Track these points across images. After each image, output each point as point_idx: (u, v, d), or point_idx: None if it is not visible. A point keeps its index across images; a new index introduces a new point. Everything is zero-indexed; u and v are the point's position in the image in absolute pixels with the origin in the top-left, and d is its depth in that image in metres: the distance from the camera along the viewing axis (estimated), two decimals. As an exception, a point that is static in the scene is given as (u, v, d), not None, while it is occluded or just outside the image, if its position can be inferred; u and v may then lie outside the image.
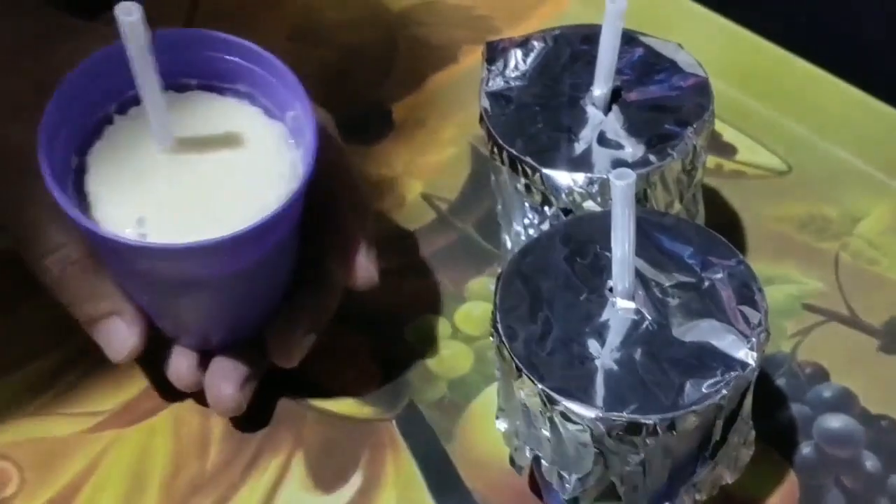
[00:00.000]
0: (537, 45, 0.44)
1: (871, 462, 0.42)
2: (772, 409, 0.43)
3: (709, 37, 0.55)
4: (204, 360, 0.41)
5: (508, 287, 0.37)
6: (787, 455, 0.42)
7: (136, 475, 0.42)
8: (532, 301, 0.37)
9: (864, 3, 0.54)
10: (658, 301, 0.36)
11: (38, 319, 0.45)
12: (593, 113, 0.41)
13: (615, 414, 0.33)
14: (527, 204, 0.42)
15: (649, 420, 0.33)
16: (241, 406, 0.41)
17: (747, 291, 0.36)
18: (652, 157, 0.40)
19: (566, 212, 0.40)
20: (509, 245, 0.44)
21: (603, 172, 0.40)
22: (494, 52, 0.44)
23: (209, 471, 0.42)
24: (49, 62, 0.40)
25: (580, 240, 0.38)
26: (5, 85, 0.41)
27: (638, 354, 0.35)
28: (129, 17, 0.34)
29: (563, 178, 0.40)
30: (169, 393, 0.43)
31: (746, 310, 0.35)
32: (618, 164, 0.40)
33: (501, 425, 0.40)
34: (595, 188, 0.40)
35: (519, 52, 0.43)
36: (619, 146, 0.40)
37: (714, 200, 0.50)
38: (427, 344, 0.46)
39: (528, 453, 0.38)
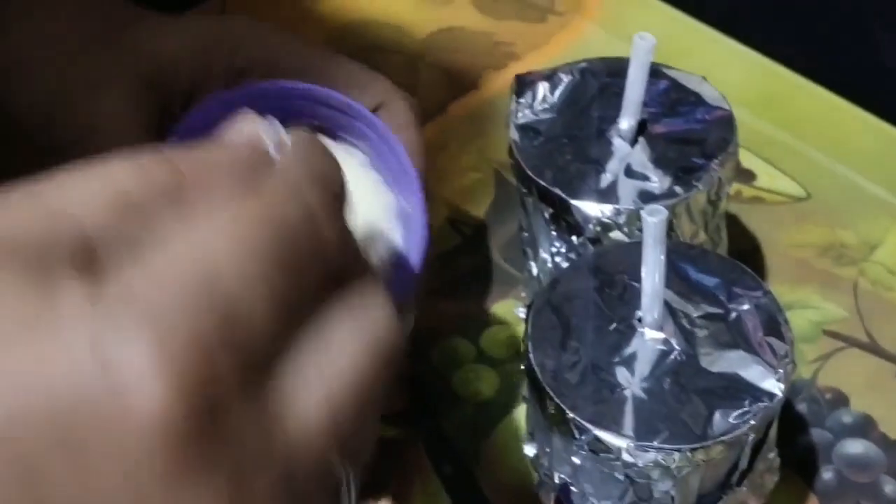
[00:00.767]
0: (565, 77, 0.45)
1: (890, 487, 0.42)
2: (793, 434, 0.44)
3: (728, 63, 0.55)
4: None
5: (539, 316, 0.38)
6: (809, 480, 0.43)
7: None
8: (562, 330, 0.37)
9: (883, 30, 0.55)
10: (686, 332, 0.37)
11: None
12: (620, 145, 0.42)
13: (646, 443, 0.34)
14: (554, 233, 0.42)
15: (679, 449, 0.34)
16: None
17: (773, 323, 0.37)
18: (678, 189, 0.41)
19: (593, 241, 0.41)
20: (535, 272, 0.45)
21: (630, 203, 0.40)
22: (523, 85, 0.44)
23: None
24: (132, 47, 0.41)
25: (609, 270, 0.39)
26: (96, 63, 0.41)
27: (667, 384, 0.36)
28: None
29: (592, 208, 0.40)
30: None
31: (773, 341, 0.36)
32: (644, 195, 0.41)
33: (530, 450, 0.41)
34: (622, 219, 0.40)
35: (547, 85, 0.44)
36: (646, 178, 0.41)
37: (733, 226, 0.50)
38: (452, 366, 0.47)
39: (556, 479, 0.38)
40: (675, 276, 0.38)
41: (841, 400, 0.45)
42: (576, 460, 0.36)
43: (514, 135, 0.43)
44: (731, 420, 0.34)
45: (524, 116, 0.44)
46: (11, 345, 0.21)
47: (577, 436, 0.35)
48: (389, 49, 0.60)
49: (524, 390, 0.41)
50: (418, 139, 0.41)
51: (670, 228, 0.41)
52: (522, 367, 0.38)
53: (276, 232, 0.23)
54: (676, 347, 0.36)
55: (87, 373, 0.20)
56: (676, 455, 0.34)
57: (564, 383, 0.36)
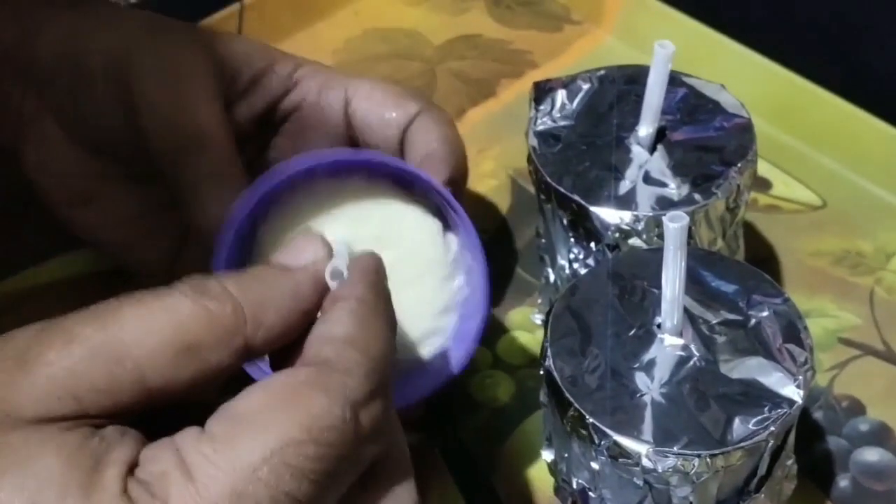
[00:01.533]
0: (583, 85, 0.45)
1: (907, 495, 0.43)
2: (809, 441, 0.44)
3: (744, 73, 0.56)
4: None
5: (558, 322, 0.38)
6: (825, 488, 0.43)
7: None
8: (582, 336, 0.37)
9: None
10: (705, 338, 0.37)
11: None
12: (639, 152, 0.42)
13: (665, 449, 0.34)
14: (572, 239, 0.43)
15: (699, 455, 0.34)
16: None
17: (793, 329, 0.37)
18: (697, 196, 0.41)
19: (611, 248, 0.41)
20: (552, 279, 0.45)
21: (648, 210, 0.41)
22: (542, 93, 0.45)
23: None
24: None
25: (628, 276, 0.39)
26: None
27: (686, 390, 0.36)
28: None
29: (610, 215, 0.41)
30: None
31: (792, 348, 0.36)
32: (663, 202, 0.41)
33: (548, 455, 0.41)
34: (641, 225, 0.41)
35: (565, 93, 0.45)
36: (664, 185, 0.41)
37: (749, 234, 0.50)
38: (469, 373, 0.47)
39: (575, 485, 0.38)
40: (694, 283, 0.38)
41: (857, 408, 0.45)
42: (594, 466, 0.37)
43: (533, 142, 0.43)
44: (750, 426, 0.35)
45: (543, 123, 0.44)
46: None
47: (596, 441, 0.36)
48: (406, 57, 0.61)
49: (541, 396, 0.41)
50: (458, 136, 0.43)
51: (689, 235, 0.41)
52: (540, 372, 0.38)
53: (317, 452, 0.25)
54: (696, 353, 0.37)
55: None
56: (696, 461, 0.34)
57: (584, 389, 0.36)
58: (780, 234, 0.51)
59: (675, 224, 0.34)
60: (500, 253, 0.51)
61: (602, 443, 0.35)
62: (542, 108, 0.44)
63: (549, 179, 0.42)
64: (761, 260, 0.50)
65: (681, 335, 0.37)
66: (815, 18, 0.58)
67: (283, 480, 0.25)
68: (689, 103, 0.44)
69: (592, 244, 0.42)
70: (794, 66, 0.56)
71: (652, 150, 0.42)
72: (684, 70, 0.45)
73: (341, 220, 0.37)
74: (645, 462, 0.35)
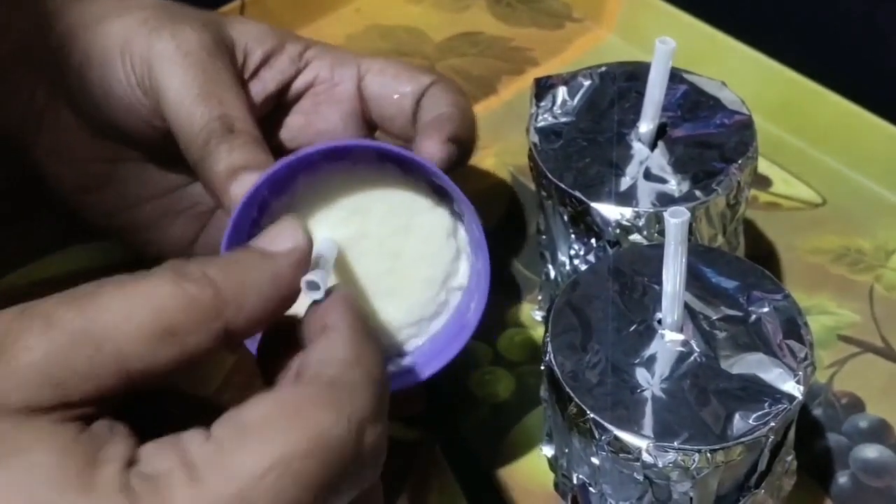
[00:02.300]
0: (584, 81, 0.45)
1: (906, 492, 0.43)
2: (809, 438, 0.44)
3: (744, 70, 0.56)
4: None
5: (559, 317, 0.38)
6: (825, 484, 0.43)
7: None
8: (582, 331, 0.38)
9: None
10: (706, 334, 0.37)
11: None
12: (639, 149, 0.42)
13: (665, 444, 0.34)
14: (573, 236, 0.43)
15: (699, 451, 0.34)
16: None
17: (793, 325, 0.37)
18: (697, 193, 0.41)
19: (612, 244, 0.42)
20: (552, 275, 0.45)
21: (649, 207, 0.41)
22: (543, 89, 0.45)
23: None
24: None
25: (628, 272, 0.39)
26: None
27: (686, 386, 0.36)
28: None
29: (611, 211, 0.41)
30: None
31: (792, 343, 0.36)
32: (664, 198, 0.41)
33: (548, 451, 0.41)
34: (641, 222, 0.41)
35: (566, 89, 0.45)
36: (665, 181, 0.41)
37: (749, 231, 0.51)
38: (470, 369, 0.47)
39: (575, 480, 0.39)
40: (694, 279, 0.38)
41: (857, 405, 0.45)
42: (595, 461, 0.37)
43: (534, 138, 0.43)
44: (750, 422, 0.35)
45: (544, 120, 0.44)
46: None
47: (596, 436, 0.36)
48: (407, 54, 0.61)
49: (542, 392, 0.41)
50: (469, 104, 0.43)
51: (689, 232, 0.41)
52: (541, 367, 0.38)
53: (322, 465, 0.25)
54: (696, 349, 0.37)
55: None
56: (696, 456, 0.34)
57: (584, 384, 0.36)
58: (780, 232, 0.52)
59: (676, 220, 0.34)
60: (501, 249, 0.51)
61: (602, 438, 0.35)
62: (542, 104, 0.44)
63: (549, 175, 0.42)
64: (761, 257, 0.50)
65: (681, 331, 0.37)
66: (816, 16, 0.58)
67: (287, 490, 0.25)
68: (690, 100, 0.44)
69: (593, 240, 0.42)
70: (794, 63, 0.56)
71: (653, 146, 0.42)
72: (684, 68, 0.45)
73: (348, 207, 0.37)
74: (645, 457, 0.35)
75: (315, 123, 0.44)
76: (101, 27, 0.41)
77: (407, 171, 0.38)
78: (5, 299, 0.27)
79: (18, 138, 0.44)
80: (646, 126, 0.42)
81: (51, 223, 0.49)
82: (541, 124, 0.44)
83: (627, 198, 0.41)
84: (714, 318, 0.37)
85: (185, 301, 0.27)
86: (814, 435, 0.44)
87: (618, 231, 0.41)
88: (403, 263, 0.38)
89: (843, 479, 0.43)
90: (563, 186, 0.41)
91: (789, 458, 0.38)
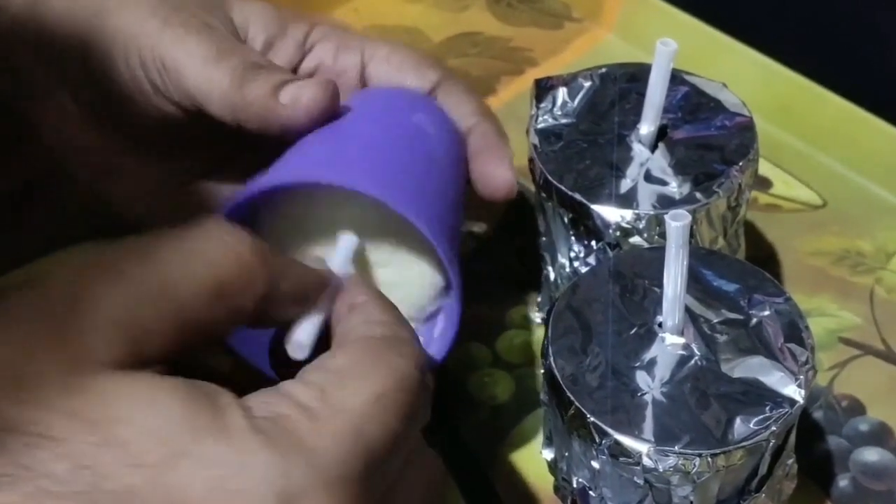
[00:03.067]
0: (584, 83, 0.45)
1: (906, 495, 0.43)
2: (809, 441, 0.44)
3: (744, 72, 0.55)
4: None
5: (559, 320, 0.38)
6: (825, 487, 0.43)
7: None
8: (583, 334, 0.37)
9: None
10: (707, 337, 0.37)
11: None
12: (640, 150, 0.42)
13: (666, 448, 0.34)
14: (573, 238, 0.42)
15: (699, 455, 0.34)
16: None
17: (794, 329, 0.37)
18: (698, 195, 0.41)
19: (612, 246, 0.41)
20: (552, 277, 0.45)
21: (649, 209, 0.41)
22: (543, 90, 0.45)
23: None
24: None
25: (629, 275, 0.39)
26: None
27: (687, 389, 0.36)
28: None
29: (611, 213, 0.41)
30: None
31: (794, 347, 0.36)
32: (664, 200, 0.41)
33: (548, 454, 0.41)
34: (642, 224, 0.41)
35: (567, 90, 0.45)
36: (665, 183, 0.41)
37: (750, 233, 0.50)
38: (469, 371, 0.47)
39: (575, 483, 0.38)
40: (695, 282, 0.38)
41: (857, 408, 0.45)
42: (595, 465, 0.36)
43: (534, 139, 0.43)
44: (751, 426, 0.35)
45: (544, 121, 0.44)
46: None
47: (596, 440, 0.35)
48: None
49: (541, 395, 0.41)
50: (482, 102, 0.43)
51: (690, 234, 0.41)
52: (541, 371, 0.38)
53: (406, 399, 0.28)
54: (697, 353, 0.36)
55: None
56: (697, 460, 0.34)
57: (584, 387, 0.36)
58: (781, 234, 0.51)
59: (677, 222, 0.34)
60: (501, 251, 0.51)
61: (603, 442, 0.35)
62: (543, 105, 0.44)
63: (549, 177, 0.42)
64: (762, 259, 0.50)
65: (682, 334, 0.37)
66: (817, 17, 0.57)
67: (388, 420, 0.28)
68: (691, 102, 0.44)
69: (593, 242, 0.42)
70: (795, 65, 0.56)
71: (653, 148, 0.42)
72: (684, 69, 0.45)
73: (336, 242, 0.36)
74: (646, 461, 0.35)
75: None
76: (103, 20, 0.40)
77: None
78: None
79: (21, 116, 0.43)
80: (646, 128, 0.42)
81: (53, 220, 0.48)
82: (541, 126, 0.44)
83: (628, 200, 0.41)
84: (715, 321, 0.37)
85: (236, 261, 0.28)
86: (814, 438, 0.44)
87: (618, 233, 0.41)
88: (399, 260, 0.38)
89: (843, 482, 0.43)
90: (564, 188, 0.41)
91: (790, 461, 0.38)
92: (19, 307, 0.25)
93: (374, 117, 0.39)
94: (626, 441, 0.35)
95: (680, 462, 0.34)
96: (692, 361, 0.36)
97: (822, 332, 0.47)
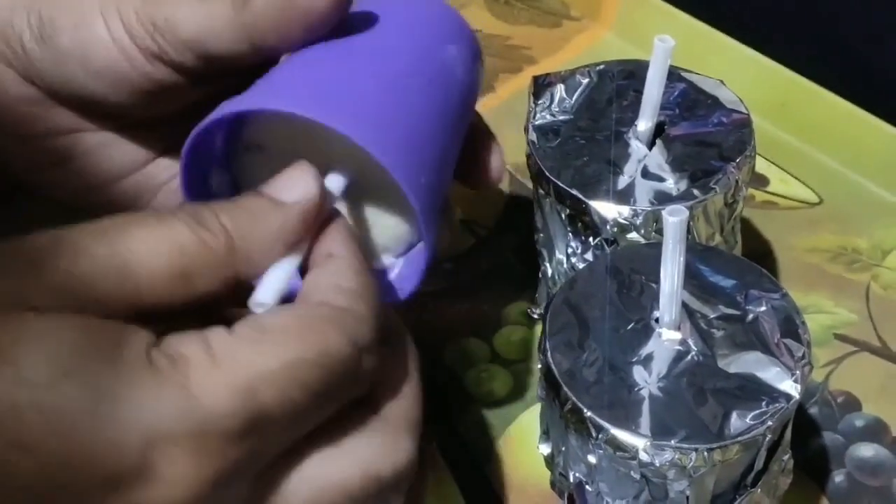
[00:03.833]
0: (582, 79, 0.45)
1: (902, 491, 0.43)
2: (805, 437, 0.44)
3: (742, 70, 0.56)
4: None
5: (557, 315, 0.38)
6: (821, 483, 0.43)
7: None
8: (580, 330, 0.38)
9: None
10: (703, 332, 0.37)
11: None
12: (637, 147, 0.42)
13: (663, 443, 0.34)
14: (570, 234, 0.43)
15: (696, 449, 0.34)
16: None
17: (790, 324, 0.37)
18: (695, 191, 0.41)
19: (609, 242, 0.42)
20: (549, 273, 0.45)
21: (647, 205, 0.41)
22: (540, 87, 0.45)
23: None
24: None
25: (626, 271, 0.39)
26: None
27: (684, 384, 0.36)
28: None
29: (609, 210, 0.41)
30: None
31: (790, 342, 0.36)
32: (661, 197, 0.41)
33: (545, 449, 0.41)
34: (639, 220, 0.41)
35: (564, 87, 0.45)
36: (663, 180, 0.41)
37: (746, 230, 0.51)
38: (466, 367, 0.47)
39: (571, 478, 0.39)
40: (692, 278, 0.38)
41: (853, 404, 0.45)
42: (592, 459, 0.37)
43: (532, 136, 0.43)
44: (748, 421, 0.35)
45: (542, 118, 0.44)
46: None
47: (593, 435, 0.36)
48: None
49: (539, 390, 0.41)
50: None
51: (687, 230, 0.41)
52: (538, 366, 0.38)
53: (322, 375, 0.28)
54: (693, 348, 0.37)
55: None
56: (693, 455, 0.34)
57: (581, 382, 0.36)
58: (777, 231, 0.52)
59: (674, 218, 0.34)
60: (498, 247, 0.51)
61: (599, 436, 0.35)
62: (540, 102, 0.44)
63: (547, 173, 0.42)
64: (758, 256, 0.50)
65: (679, 329, 0.37)
66: (814, 16, 0.58)
67: (290, 390, 0.27)
68: (688, 98, 0.44)
69: (591, 238, 0.42)
70: (791, 63, 0.56)
71: (651, 144, 0.42)
72: (682, 67, 0.45)
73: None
74: (642, 456, 0.35)
75: None
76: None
77: None
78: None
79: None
80: (644, 124, 0.42)
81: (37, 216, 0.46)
82: (539, 122, 0.44)
83: (625, 196, 0.41)
84: (711, 316, 0.37)
85: (201, 248, 0.28)
86: (810, 434, 0.44)
87: (615, 229, 0.41)
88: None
89: (839, 477, 0.43)
90: (561, 185, 0.41)
91: (786, 456, 0.38)
92: None
93: (395, 45, 0.36)
94: (623, 436, 0.35)
95: (676, 457, 0.34)
96: (689, 357, 0.36)
97: (817, 329, 0.47)
